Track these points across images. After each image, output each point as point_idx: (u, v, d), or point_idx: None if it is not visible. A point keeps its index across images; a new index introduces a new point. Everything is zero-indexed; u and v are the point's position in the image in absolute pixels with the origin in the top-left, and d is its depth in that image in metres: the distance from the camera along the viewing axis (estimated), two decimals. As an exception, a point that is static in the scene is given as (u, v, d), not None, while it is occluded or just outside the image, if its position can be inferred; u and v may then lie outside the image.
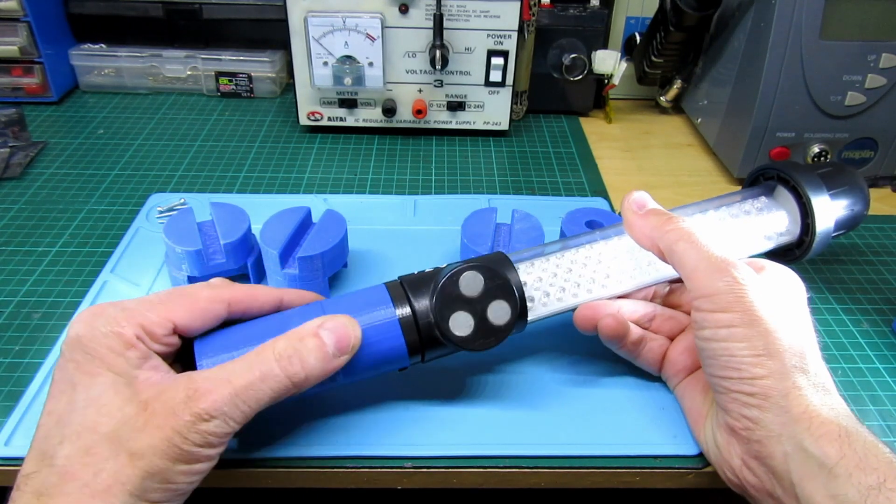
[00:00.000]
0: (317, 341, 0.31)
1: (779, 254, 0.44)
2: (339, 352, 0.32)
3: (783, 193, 0.43)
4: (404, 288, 0.35)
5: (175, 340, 0.32)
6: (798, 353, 0.31)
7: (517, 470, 0.36)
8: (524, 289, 0.36)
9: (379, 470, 0.36)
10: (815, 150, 0.61)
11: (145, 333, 0.31)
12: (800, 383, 0.30)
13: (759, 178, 0.45)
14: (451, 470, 0.36)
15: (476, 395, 0.40)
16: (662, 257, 0.35)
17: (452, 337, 0.34)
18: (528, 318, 0.37)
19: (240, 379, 0.29)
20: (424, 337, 0.34)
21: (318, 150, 0.67)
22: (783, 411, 0.30)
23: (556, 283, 0.38)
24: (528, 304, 0.37)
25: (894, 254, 0.55)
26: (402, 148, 0.68)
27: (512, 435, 0.37)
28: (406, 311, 0.34)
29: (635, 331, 0.38)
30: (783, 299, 0.34)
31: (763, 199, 0.43)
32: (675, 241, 0.34)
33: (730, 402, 0.32)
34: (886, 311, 0.48)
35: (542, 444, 0.37)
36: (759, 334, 0.31)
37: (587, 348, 0.43)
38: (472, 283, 0.34)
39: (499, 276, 0.35)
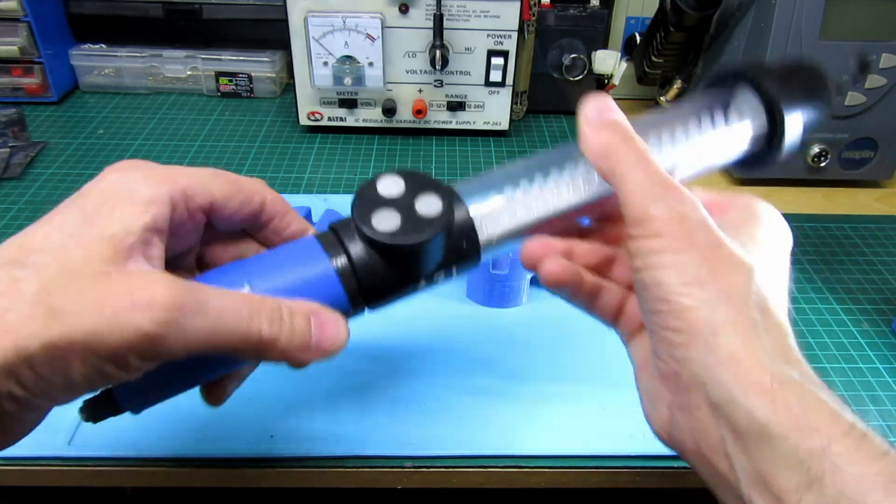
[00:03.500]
0: (305, 323, 0.27)
1: (753, 160, 0.37)
2: (318, 347, 0.27)
3: (744, 93, 0.34)
4: (337, 234, 0.30)
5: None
6: (741, 287, 0.26)
7: (517, 470, 0.36)
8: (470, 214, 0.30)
9: (379, 470, 0.36)
10: (815, 150, 0.61)
11: (180, 198, 0.28)
12: (732, 319, 0.25)
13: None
14: (451, 470, 0.36)
15: (476, 395, 0.40)
16: (606, 179, 0.30)
17: (377, 234, 0.28)
18: (480, 240, 0.31)
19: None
20: (361, 276, 0.29)
21: (318, 150, 0.67)
22: (710, 351, 0.25)
23: (502, 201, 0.31)
24: (475, 224, 0.30)
25: (894, 254, 0.55)
26: (402, 148, 0.68)
27: (512, 435, 0.37)
28: (342, 259, 0.29)
29: (589, 279, 0.33)
30: (746, 236, 0.29)
31: (723, 101, 0.35)
32: (618, 162, 0.29)
33: (659, 343, 0.27)
34: (886, 311, 0.48)
35: (541, 445, 0.37)
36: (691, 262, 0.26)
37: (588, 348, 0.43)
38: (391, 186, 0.30)
39: (421, 176, 0.30)
